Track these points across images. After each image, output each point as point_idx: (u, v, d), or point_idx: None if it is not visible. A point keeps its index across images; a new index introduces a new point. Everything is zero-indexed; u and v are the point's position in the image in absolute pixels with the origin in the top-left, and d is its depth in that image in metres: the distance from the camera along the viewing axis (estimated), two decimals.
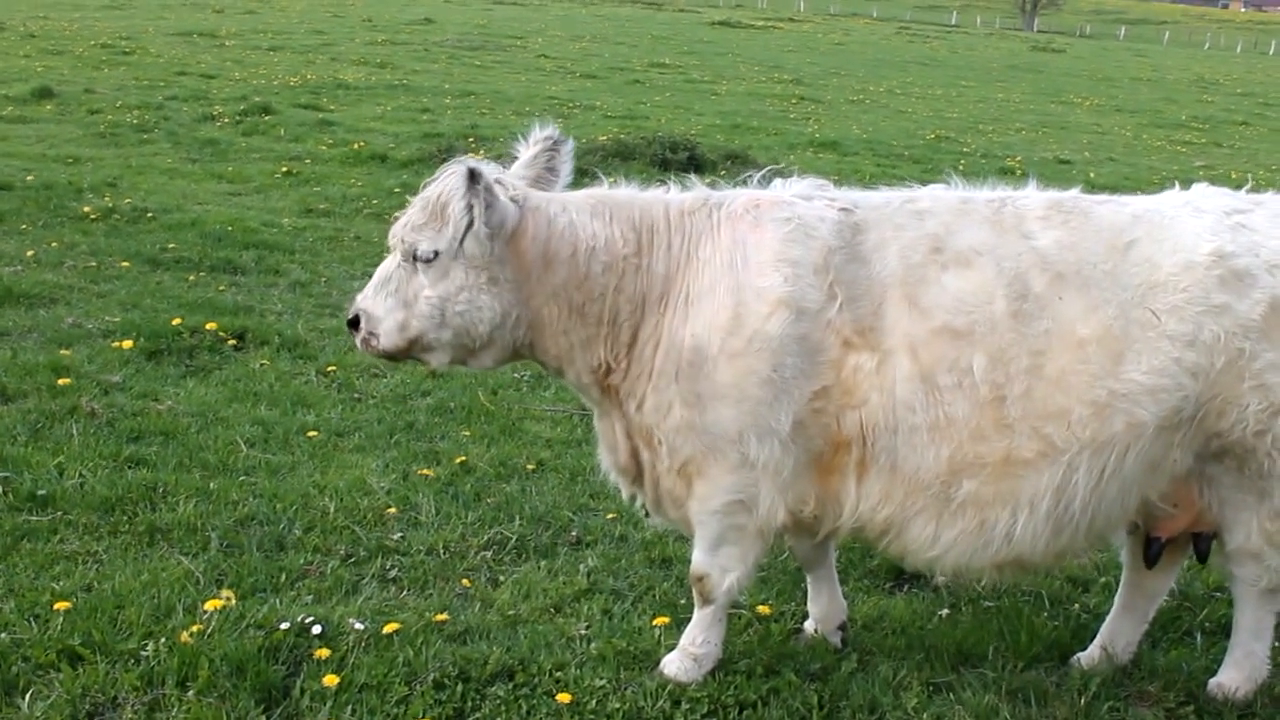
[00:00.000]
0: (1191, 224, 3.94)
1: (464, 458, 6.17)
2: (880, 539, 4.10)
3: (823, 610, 4.65)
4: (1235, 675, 4.35)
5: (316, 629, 4.33)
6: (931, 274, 3.90)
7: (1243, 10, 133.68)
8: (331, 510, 5.46)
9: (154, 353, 7.39)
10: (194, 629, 4.28)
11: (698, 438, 4.00)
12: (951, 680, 4.39)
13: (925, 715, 4.17)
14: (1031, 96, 31.80)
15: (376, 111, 19.33)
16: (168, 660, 4.11)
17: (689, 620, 4.38)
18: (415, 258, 4.00)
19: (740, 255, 3.98)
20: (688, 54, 36.73)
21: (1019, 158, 18.82)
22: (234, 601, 4.50)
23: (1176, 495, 4.08)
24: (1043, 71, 41.98)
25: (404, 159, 14.86)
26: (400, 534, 5.33)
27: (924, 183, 4.30)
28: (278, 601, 4.62)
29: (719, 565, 4.17)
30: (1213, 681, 4.39)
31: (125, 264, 9.38)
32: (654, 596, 4.91)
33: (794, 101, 25.61)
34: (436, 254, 3.97)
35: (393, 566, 5.05)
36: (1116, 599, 4.60)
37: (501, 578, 5.03)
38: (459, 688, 4.09)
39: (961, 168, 15.87)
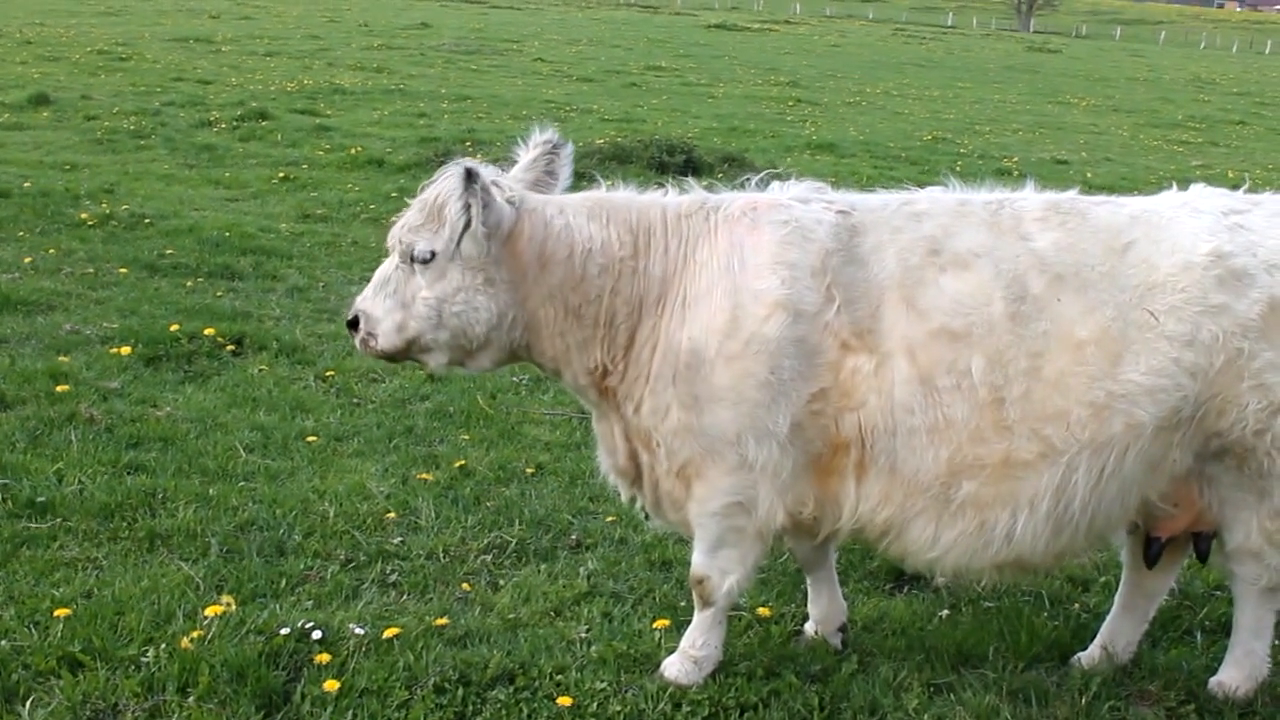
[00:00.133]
0: (1189, 224, 3.95)
1: (463, 461, 6.17)
2: (880, 540, 4.10)
3: (823, 612, 4.65)
4: (1236, 674, 4.35)
5: (317, 634, 4.33)
6: (929, 276, 3.90)
7: (1238, 10, 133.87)
8: (331, 515, 5.46)
9: (152, 359, 7.38)
10: (194, 635, 4.27)
11: (695, 440, 4.00)
12: (952, 681, 4.39)
13: (926, 716, 4.17)
14: (1028, 97, 31.83)
15: (373, 116, 19.33)
16: (168, 666, 4.10)
17: (689, 623, 4.37)
18: (413, 259, 4.01)
19: (738, 258, 3.98)
20: (684, 57, 36.77)
21: (1016, 158, 18.84)
22: (234, 607, 4.50)
23: (1176, 495, 4.08)
24: (1039, 72, 42.03)
25: (401, 164, 14.85)
26: (400, 538, 5.33)
27: (921, 184, 4.30)
28: (278, 607, 4.62)
29: (719, 567, 4.17)
30: (1213, 680, 4.40)
31: (123, 270, 9.38)
32: (654, 599, 4.91)
33: (790, 104, 25.62)
34: (433, 255, 3.98)
35: (393, 571, 5.05)
36: (1117, 598, 4.60)
37: (501, 581, 5.03)
38: (460, 692, 4.09)
39: (958, 169, 15.92)
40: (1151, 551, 4.32)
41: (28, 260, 9.42)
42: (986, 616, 4.86)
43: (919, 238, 3.96)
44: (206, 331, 7.73)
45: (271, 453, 6.19)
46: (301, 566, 5.02)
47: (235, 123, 17.37)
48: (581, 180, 4.54)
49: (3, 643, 4.23)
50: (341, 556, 5.13)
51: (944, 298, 3.87)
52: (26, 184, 12.09)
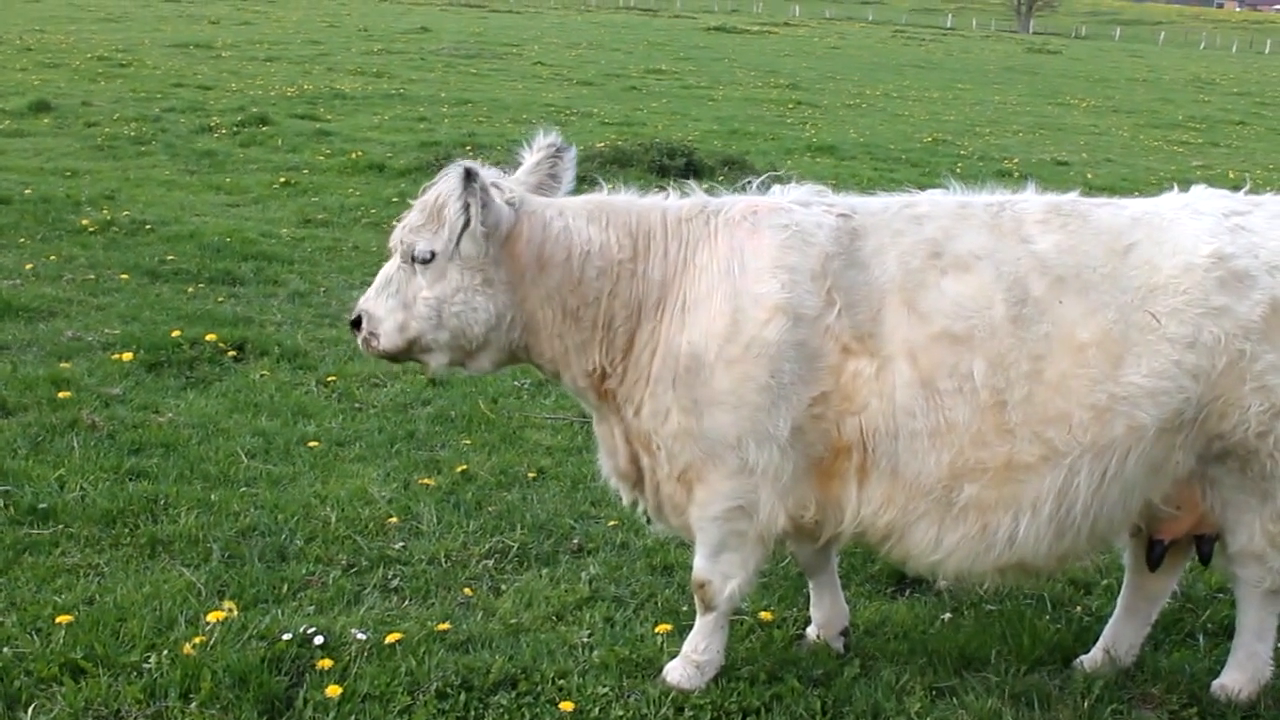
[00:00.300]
0: (1190, 226, 3.94)
1: (465, 466, 6.17)
2: (882, 544, 4.10)
3: (825, 616, 4.64)
4: (1239, 677, 4.35)
5: (319, 639, 4.33)
6: (930, 279, 3.90)
7: (1237, 10, 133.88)
8: (333, 520, 5.46)
9: (154, 365, 7.39)
10: (196, 641, 4.27)
11: (696, 444, 4.00)
12: (954, 685, 4.39)
13: None
14: (1028, 98, 31.84)
15: (373, 121, 19.35)
16: (170, 672, 4.10)
17: (691, 627, 4.37)
18: (414, 259, 4.04)
19: (738, 261, 3.98)
20: (684, 60, 36.80)
21: (1016, 160, 18.84)
22: (236, 613, 4.50)
23: (1179, 497, 4.08)
24: (1039, 73, 42.04)
25: (401, 168, 14.86)
26: (402, 543, 5.32)
27: (921, 186, 4.31)
28: (280, 612, 4.62)
29: (720, 572, 4.17)
30: (1216, 683, 4.39)
31: (124, 276, 9.38)
32: (656, 604, 4.91)
33: (790, 106, 25.63)
34: (433, 255, 4.00)
35: (394, 576, 5.05)
36: (1119, 601, 4.59)
37: (503, 586, 5.03)
38: (462, 697, 4.09)
39: (959, 171, 15.94)
40: (1154, 554, 4.32)
41: (29, 267, 9.42)
42: (989, 620, 4.85)
43: (920, 240, 3.96)
44: (208, 337, 7.73)
45: (273, 458, 6.19)
46: (303, 572, 5.02)
47: (236, 128, 17.40)
48: (583, 184, 4.54)
49: (5, 649, 4.23)
50: (343, 561, 5.13)
51: (945, 301, 3.87)
52: (27, 191, 12.10)
